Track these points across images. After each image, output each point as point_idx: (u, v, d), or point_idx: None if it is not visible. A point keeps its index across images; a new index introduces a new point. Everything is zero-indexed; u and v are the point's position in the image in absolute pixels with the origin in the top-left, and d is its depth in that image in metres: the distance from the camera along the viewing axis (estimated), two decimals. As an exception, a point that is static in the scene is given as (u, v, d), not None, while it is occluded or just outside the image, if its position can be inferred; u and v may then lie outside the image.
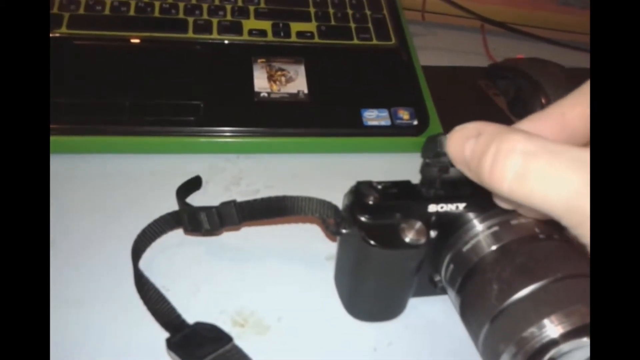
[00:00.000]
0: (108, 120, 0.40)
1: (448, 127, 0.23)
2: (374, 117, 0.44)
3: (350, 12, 0.51)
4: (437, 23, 0.64)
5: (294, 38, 0.48)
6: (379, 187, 0.28)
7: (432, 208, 0.28)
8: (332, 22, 0.50)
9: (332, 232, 0.30)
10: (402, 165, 0.36)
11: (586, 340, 0.23)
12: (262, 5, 0.50)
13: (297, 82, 0.45)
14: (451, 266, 0.29)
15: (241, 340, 0.29)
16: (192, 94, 0.42)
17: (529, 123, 0.24)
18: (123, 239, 0.33)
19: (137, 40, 0.45)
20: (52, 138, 0.38)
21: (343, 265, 0.32)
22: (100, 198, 0.38)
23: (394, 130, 0.44)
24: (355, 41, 0.49)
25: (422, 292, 0.32)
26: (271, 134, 0.42)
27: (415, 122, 0.44)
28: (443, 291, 0.31)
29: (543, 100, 0.48)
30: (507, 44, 0.62)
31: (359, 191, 0.28)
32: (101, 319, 0.30)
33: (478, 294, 0.27)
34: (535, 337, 0.24)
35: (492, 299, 0.26)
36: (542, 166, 0.18)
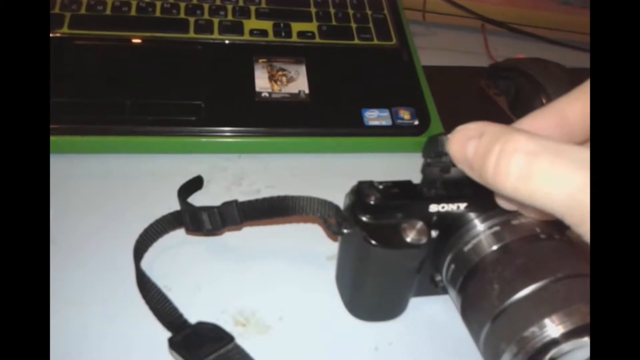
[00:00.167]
0: (109, 120, 0.40)
1: (449, 127, 0.23)
2: (374, 117, 0.44)
3: (351, 12, 0.51)
4: (437, 23, 0.64)
5: (295, 38, 0.48)
6: (380, 187, 0.29)
7: (434, 208, 0.28)
8: (333, 22, 0.50)
9: (333, 232, 0.30)
10: (403, 165, 0.36)
11: (587, 340, 0.23)
12: (263, 5, 0.50)
13: (298, 82, 0.45)
14: (452, 266, 0.29)
15: (243, 339, 0.29)
16: (193, 94, 0.43)
17: (529, 120, 0.24)
18: (124, 239, 0.33)
19: (138, 40, 0.45)
20: (54, 138, 0.38)
21: (344, 265, 0.32)
22: (102, 198, 0.38)
23: (395, 130, 0.44)
24: (356, 41, 0.49)
25: (423, 291, 0.32)
26: (272, 133, 0.42)
27: (416, 122, 0.44)
28: (444, 291, 0.31)
29: (544, 100, 0.48)
30: (508, 43, 0.62)
31: (360, 191, 0.28)
32: (103, 319, 0.30)
33: (479, 293, 0.27)
34: (536, 337, 0.24)
35: (493, 299, 0.26)
36: (544, 166, 0.18)
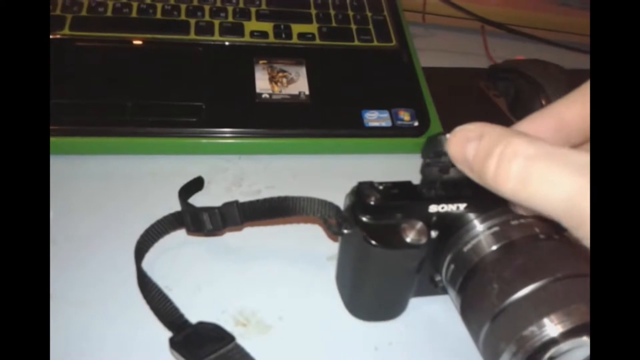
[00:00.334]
0: (110, 121, 0.40)
1: (448, 128, 0.23)
2: (374, 118, 0.44)
3: (351, 13, 0.51)
4: (437, 24, 0.64)
5: (295, 39, 0.48)
6: (380, 187, 0.29)
7: (433, 208, 0.29)
8: (333, 24, 0.50)
9: (333, 232, 0.30)
10: (403, 166, 0.36)
11: (586, 339, 0.23)
12: (264, 6, 0.50)
13: (298, 83, 0.45)
14: (452, 266, 0.29)
15: (243, 339, 0.29)
16: (194, 95, 0.43)
17: (527, 123, 0.24)
18: (125, 239, 0.33)
19: (139, 42, 0.45)
20: (55, 139, 0.39)
21: (344, 265, 0.32)
22: (103, 199, 0.38)
23: (395, 131, 0.44)
24: (356, 42, 0.49)
25: (423, 292, 0.33)
26: (272, 135, 0.43)
27: (416, 123, 0.44)
28: (444, 291, 0.31)
29: (543, 101, 0.48)
30: (507, 45, 0.62)
31: (361, 191, 0.29)
32: (104, 319, 0.31)
33: (479, 293, 0.27)
34: (535, 336, 0.24)
35: (493, 299, 0.26)
36: (542, 170, 0.18)
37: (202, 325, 0.29)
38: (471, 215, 0.29)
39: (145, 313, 0.30)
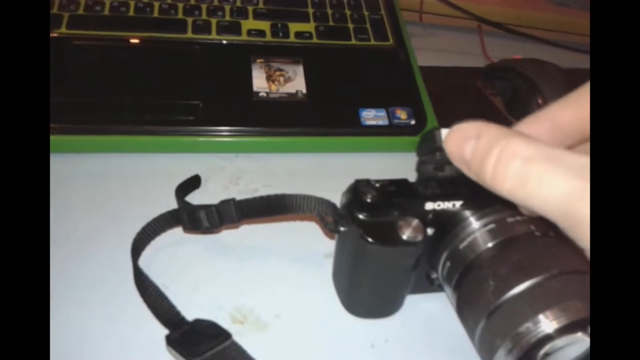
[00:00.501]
0: (108, 119, 0.41)
1: (445, 127, 0.23)
2: (371, 116, 0.44)
3: (348, 12, 0.52)
4: (434, 24, 0.65)
5: (292, 38, 0.48)
6: (377, 185, 0.29)
7: (429, 206, 0.29)
8: (331, 23, 0.50)
9: (330, 230, 0.30)
10: (399, 165, 0.36)
11: (580, 336, 0.24)
12: (261, 5, 0.50)
13: (295, 82, 0.45)
14: (448, 263, 0.29)
15: (240, 336, 0.29)
16: (191, 94, 0.43)
17: (523, 126, 0.24)
18: (122, 237, 0.33)
19: (136, 41, 0.45)
20: (52, 137, 0.39)
21: (341, 262, 0.32)
22: (100, 197, 0.38)
23: (392, 129, 0.44)
24: (354, 41, 0.49)
25: (419, 289, 0.33)
26: (270, 133, 0.43)
27: (413, 122, 0.44)
28: (440, 288, 0.31)
29: (540, 101, 0.48)
30: (504, 44, 0.62)
31: (357, 189, 0.29)
32: (101, 317, 0.31)
33: (474, 290, 0.27)
34: (530, 333, 0.24)
35: (489, 295, 0.26)
36: (540, 171, 0.18)
37: (199, 322, 0.29)
38: (467, 213, 0.29)
39: (142, 311, 0.30)
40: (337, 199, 0.31)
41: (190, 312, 0.30)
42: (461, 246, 0.29)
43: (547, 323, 0.24)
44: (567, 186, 0.18)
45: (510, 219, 0.28)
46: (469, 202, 0.29)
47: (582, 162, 0.18)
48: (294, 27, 0.49)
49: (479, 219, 0.29)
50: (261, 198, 0.32)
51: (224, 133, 0.42)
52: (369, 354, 0.31)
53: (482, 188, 0.22)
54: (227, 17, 0.49)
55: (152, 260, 0.34)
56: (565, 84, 0.48)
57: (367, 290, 0.31)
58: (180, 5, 0.48)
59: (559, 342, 0.24)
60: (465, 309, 0.28)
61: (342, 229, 0.29)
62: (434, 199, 0.29)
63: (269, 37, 0.48)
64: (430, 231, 0.29)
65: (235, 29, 0.48)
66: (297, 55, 0.47)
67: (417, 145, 0.26)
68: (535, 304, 0.24)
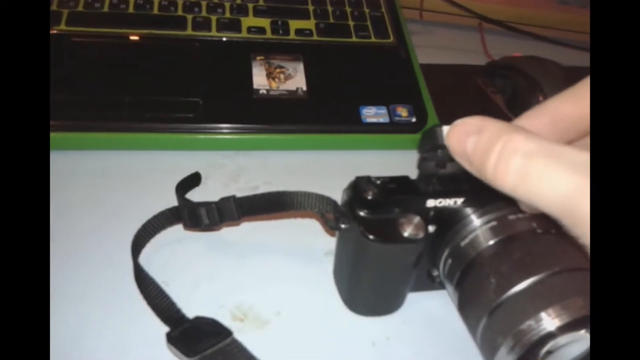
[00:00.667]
0: (107, 117, 0.40)
1: (446, 124, 0.23)
2: (372, 114, 0.44)
3: (348, 10, 0.51)
4: (435, 21, 0.64)
5: (292, 35, 0.48)
6: (378, 182, 0.29)
7: (431, 203, 0.29)
8: (331, 20, 0.50)
9: (331, 227, 0.30)
10: (400, 162, 0.36)
11: (583, 333, 0.23)
12: (261, 2, 0.50)
13: (295, 79, 0.45)
14: (449, 261, 0.29)
15: (241, 334, 0.29)
16: (191, 91, 0.43)
17: (523, 120, 0.24)
18: (123, 235, 0.33)
19: (136, 38, 0.45)
20: (52, 135, 0.38)
21: (342, 260, 0.32)
22: (100, 194, 0.38)
23: (393, 127, 0.44)
24: (354, 39, 0.49)
25: (420, 287, 0.33)
26: (270, 131, 0.43)
27: (414, 119, 0.44)
28: (441, 286, 0.31)
29: (540, 98, 0.48)
30: (504, 42, 0.62)
31: (358, 186, 0.29)
32: (101, 315, 0.30)
33: (476, 288, 0.27)
34: (532, 330, 0.24)
35: (490, 293, 0.26)
36: (540, 167, 0.18)
37: (199, 320, 0.29)
38: (468, 210, 0.29)
39: (142, 308, 0.30)
40: (337, 196, 0.30)
41: (190, 309, 0.30)
42: (463, 244, 0.29)
43: (549, 321, 0.24)
44: (568, 182, 0.18)
45: (511, 217, 0.28)
46: (470, 199, 0.29)
47: (584, 158, 0.18)
48: (294, 24, 0.49)
49: (480, 216, 0.29)
50: (262, 195, 0.32)
51: (224, 130, 0.42)
52: (370, 351, 0.31)
53: (483, 185, 0.21)
54: (227, 14, 0.48)
55: (153, 258, 0.34)
56: (566, 81, 0.48)
57: (368, 287, 0.31)
58: (180, 2, 0.48)
59: (561, 339, 0.23)
60: (466, 307, 0.28)
61: (343, 226, 0.29)
62: (435, 196, 0.28)
63: (269, 35, 0.48)
64: (431, 228, 0.29)
65: (235, 26, 0.48)
66: (298, 52, 0.47)
67: (419, 142, 0.26)
68: (537, 302, 0.24)
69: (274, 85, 0.44)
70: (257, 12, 0.49)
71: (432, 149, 0.24)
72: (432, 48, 0.60)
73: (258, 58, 0.46)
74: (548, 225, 0.28)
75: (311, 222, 0.37)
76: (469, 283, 0.28)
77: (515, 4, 0.66)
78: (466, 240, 0.28)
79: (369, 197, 0.28)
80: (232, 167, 0.41)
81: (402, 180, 0.29)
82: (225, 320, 0.30)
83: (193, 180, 0.39)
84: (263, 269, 0.34)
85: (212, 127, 0.41)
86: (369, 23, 0.51)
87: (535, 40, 0.61)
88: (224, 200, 0.33)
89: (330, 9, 0.51)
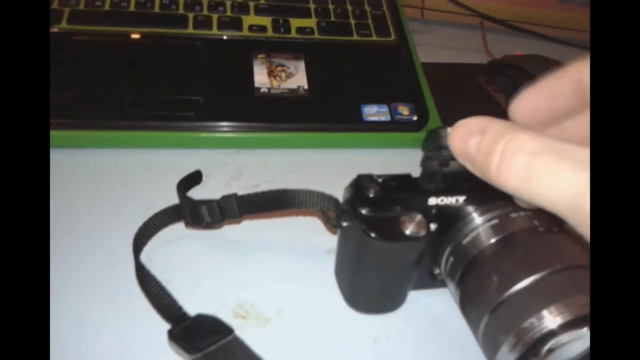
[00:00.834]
0: (108, 115, 0.40)
1: (447, 123, 0.23)
2: (373, 112, 0.44)
3: (350, 8, 0.51)
4: (436, 20, 0.64)
5: (294, 34, 0.48)
6: (380, 180, 0.29)
7: (432, 201, 0.29)
8: (332, 18, 0.50)
9: (332, 225, 0.30)
10: (401, 161, 0.36)
11: (585, 331, 0.23)
12: (262, 1, 0.50)
13: (297, 77, 0.45)
14: (451, 259, 0.29)
15: (242, 331, 0.29)
16: (192, 90, 0.43)
17: (545, 84, 0.24)
18: (124, 233, 0.33)
19: (137, 36, 0.45)
20: (53, 133, 0.38)
21: (343, 257, 0.32)
22: (101, 192, 0.38)
23: (394, 125, 0.44)
24: (355, 37, 0.49)
25: (421, 285, 0.33)
26: (271, 129, 0.42)
27: (415, 118, 0.44)
28: (443, 284, 0.31)
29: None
30: (506, 41, 0.62)
31: (360, 184, 0.28)
32: (103, 312, 0.30)
33: (478, 286, 0.27)
34: (534, 328, 0.24)
35: (492, 291, 0.26)
36: (546, 166, 0.18)
37: (200, 317, 0.29)
38: (470, 208, 0.29)
39: (143, 306, 0.30)
40: (339, 194, 0.30)
41: (192, 307, 0.30)
42: (464, 242, 0.29)
43: (551, 319, 0.24)
44: (575, 180, 0.17)
45: (513, 215, 0.28)
46: (472, 197, 0.29)
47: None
48: (296, 22, 0.49)
49: (482, 214, 0.29)
50: (263, 193, 0.32)
51: (225, 129, 0.42)
52: (372, 349, 0.31)
53: (485, 183, 0.21)
54: (229, 13, 0.48)
55: (154, 256, 0.34)
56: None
57: (370, 285, 0.31)
58: (181, 1, 0.48)
59: (563, 337, 0.23)
60: (468, 305, 0.28)
61: (344, 224, 0.29)
62: (437, 194, 0.28)
63: (270, 33, 0.48)
64: (433, 226, 0.29)
65: (236, 24, 0.48)
66: (299, 50, 0.47)
67: (423, 142, 0.26)
68: (539, 300, 0.24)
69: (275, 83, 0.44)
70: (258, 11, 0.49)
71: (436, 149, 0.24)
72: (433, 46, 0.60)
73: (259, 56, 0.46)
74: (550, 223, 0.28)
75: (312, 220, 0.37)
76: (470, 281, 0.28)
77: (517, 3, 0.65)
78: (468, 239, 0.28)
79: (371, 195, 0.28)
80: (234, 165, 0.41)
81: (404, 178, 0.29)
82: (227, 318, 0.30)
83: (194, 179, 0.39)
84: (264, 266, 0.34)
85: (213, 126, 0.41)
86: (370, 21, 0.51)
87: (537, 39, 0.61)
88: (226, 198, 0.33)
89: (331, 7, 0.51)
